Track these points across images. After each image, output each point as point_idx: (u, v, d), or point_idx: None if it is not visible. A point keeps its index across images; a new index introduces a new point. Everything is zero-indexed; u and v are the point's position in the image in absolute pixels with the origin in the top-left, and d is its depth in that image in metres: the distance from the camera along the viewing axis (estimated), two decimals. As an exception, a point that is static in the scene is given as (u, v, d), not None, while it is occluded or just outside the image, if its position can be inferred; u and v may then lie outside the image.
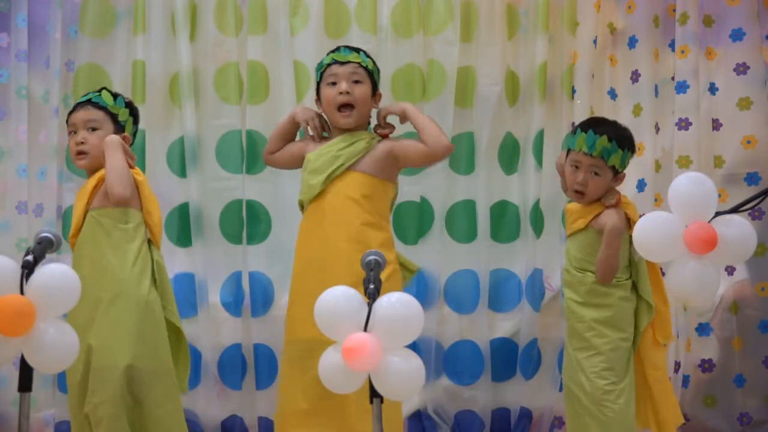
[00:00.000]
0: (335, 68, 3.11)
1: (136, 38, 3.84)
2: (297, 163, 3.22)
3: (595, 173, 2.98)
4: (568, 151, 3.08)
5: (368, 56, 3.19)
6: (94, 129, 2.89)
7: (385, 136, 3.16)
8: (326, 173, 3.04)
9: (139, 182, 2.88)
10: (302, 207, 3.17)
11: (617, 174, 3.01)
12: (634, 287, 3.00)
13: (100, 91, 2.99)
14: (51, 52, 3.80)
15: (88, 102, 2.94)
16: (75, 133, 2.92)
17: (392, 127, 3.19)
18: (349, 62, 3.11)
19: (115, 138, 2.85)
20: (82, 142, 2.88)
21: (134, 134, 3.06)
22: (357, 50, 3.18)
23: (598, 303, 2.97)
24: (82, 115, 2.92)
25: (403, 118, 3.15)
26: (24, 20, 3.76)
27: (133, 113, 3.03)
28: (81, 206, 2.87)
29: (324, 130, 3.18)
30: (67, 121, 2.97)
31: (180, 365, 2.90)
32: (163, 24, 3.89)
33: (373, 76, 3.15)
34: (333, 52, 3.19)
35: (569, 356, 3.05)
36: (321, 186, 3.05)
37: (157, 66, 3.86)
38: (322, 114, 3.19)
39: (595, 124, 3.03)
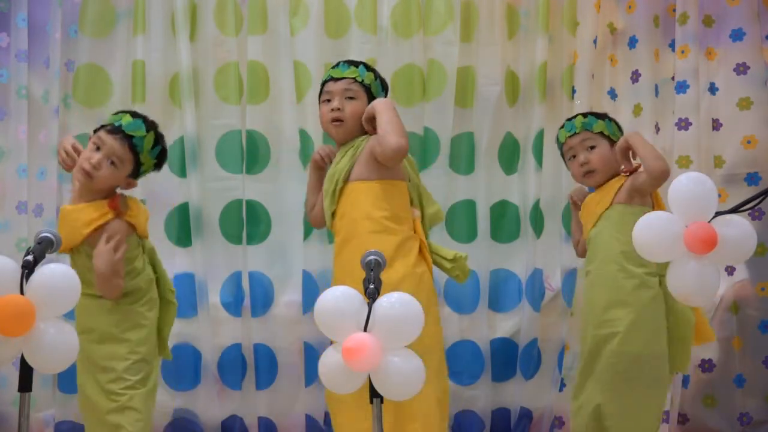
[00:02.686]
0: (330, 85, 3.07)
1: (136, 38, 3.84)
2: None
3: (591, 147, 3.05)
4: (562, 156, 3.15)
5: (370, 69, 3.12)
6: (113, 162, 2.76)
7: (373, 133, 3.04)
8: (330, 193, 3.02)
9: (135, 223, 2.82)
10: (328, 228, 3.11)
11: (614, 144, 3.08)
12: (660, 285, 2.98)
13: (148, 128, 2.82)
14: (51, 52, 3.80)
15: (129, 138, 2.77)
16: (97, 148, 2.76)
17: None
18: (343, 78, 3.06)
19: (114, 233, 2.71)
20: (95, 167, 2.74)
21: (151, 167, 2.90)
22: (357, 64, 3.12)
23: (625, 301, 2.96)
24: (112, 144, 2.75)
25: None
26: (24, 20, 3.76)
27: (158, 165, 2.91)
28: (71, 238, 2.74)
29: (331, 157, 3.13)
30: (95, 131, 2.82)
31: (164, 331, 2.92)
32: (163, 24, 3.89)
33: (370, 90, 3.07)
34: (333, 67, 3.14)
35: (590, 366, 3.02)
36: (331, 208, 3.02)
37: (157, 66, 3.86)
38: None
39: (567, 119, 3.25)
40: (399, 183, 3.01)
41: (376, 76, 3.13)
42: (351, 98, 3.04)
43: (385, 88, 3.18)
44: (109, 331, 2.76)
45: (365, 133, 3.05)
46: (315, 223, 3.25)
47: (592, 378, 3.02)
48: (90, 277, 2.72)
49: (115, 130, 2.78)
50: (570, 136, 3.13)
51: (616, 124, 3.19)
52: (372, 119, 3.00)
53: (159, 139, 2.87)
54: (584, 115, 3.19)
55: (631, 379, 2.94)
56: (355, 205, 2.97)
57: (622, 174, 3.07)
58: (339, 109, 3.02)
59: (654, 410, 2.97)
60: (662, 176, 2.91)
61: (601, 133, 3.09)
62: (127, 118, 2.81)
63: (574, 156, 3.12)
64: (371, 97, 3.07)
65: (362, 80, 3.06)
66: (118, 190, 2.85)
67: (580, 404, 3.04)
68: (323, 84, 3.12)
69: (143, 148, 2.80)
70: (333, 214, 3.04)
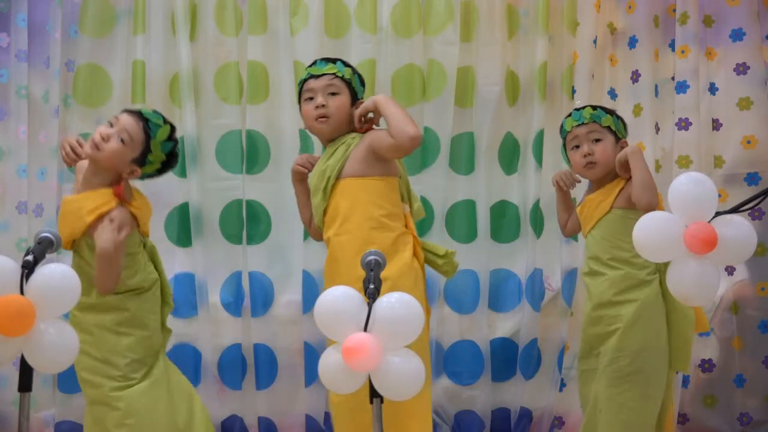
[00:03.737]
0: (311, 83, 3.03)
1: (136, 38, 3.84)
2: None
3: (596, 140, 3.06)
4: (564, 145, 3.14)
5: (347, 65, 3.09)
6: (123, 140, 2.68)
7: (366, 131, 3.01)
8: (321, 190, 2.98)
9: (138, 216, 2.75)
10: (321, 231, 3.03)
11: (618, 141, 3.09)
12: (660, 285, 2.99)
13: (165, 121, 2.77)
14: (51, 52, 3.80)
15: (145, 120, 2.72)
16: (111, 125, 2.70)
17: (372, 122, 3.03)
18: (324, 75, 3.02)
19: (108, 243, 2.60)
20: (104, 139, 2.66)
21: (156, 172, 2.82)
22: (334, 61, 3.09)
23: (626, 299, 2.98)
24: (127, 120, 2.70)
25: (377, 112, 2.98)
26: (24, 20, 3.76)
27: (166, 164, 2.81)
28: (73, 228, 2.68)
29: (312, 162, 3.11)
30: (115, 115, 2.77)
31: None
32: (163, 24, 3.89)
33: (351, 85, 3.05)
34: (310, 66, 3.11)
35: (590, 365, 3.05)
36: (322, 204, 2.99)
37: (157, 66, 3.86)
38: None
39: (576, 108, 3.23)
40: (392, 179, 2.99)
41: (354, 71, 3.11)
42: (334, 93, 3.00)
43: (363, 83, 3.14)
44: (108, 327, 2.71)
45: (352, 129, 3.02)
46: (317, 236, 3.14)
47: (592, 373, 3.04)
48: (91, 274, 2.65)
49: (132, 111, 2.76)
50: (577, 126, 3.11)
51: (623, 122, 3.18)
52: (366, 115, 2.99)
53: (173, 135, 2.80)
54: (593, 107, 3.16)
55: (630, 374, 2.94)
56: (349, 201, 2.93)
57: (622, 177, 3.06)
58: (323, 105, 2.98)
59: (650, 408, 2.97)
60: (647, 209, 2.88)
61: (609, 128, 3.09)
62: (148, 110, 2.79)
63: (578, 146, 3.10)
64: (352, 92, 3.04)
65: (342, 75, 3.03)
66: (124, 177, 2.76)
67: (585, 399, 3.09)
68: (302, 83, 3.07)
69: (156, 135, 2.73)
70: (324, 211, 3.00)
